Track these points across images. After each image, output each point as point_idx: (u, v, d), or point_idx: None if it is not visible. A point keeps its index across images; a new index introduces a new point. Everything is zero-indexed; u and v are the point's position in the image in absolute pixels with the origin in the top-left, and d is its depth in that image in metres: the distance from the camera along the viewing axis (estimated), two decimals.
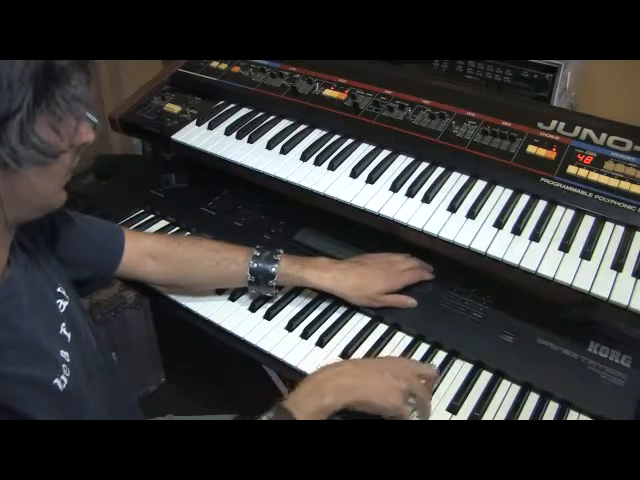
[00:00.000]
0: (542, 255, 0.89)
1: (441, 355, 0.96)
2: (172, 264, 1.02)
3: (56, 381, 0.70)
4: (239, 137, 1.17)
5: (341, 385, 0.80)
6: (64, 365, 0.73)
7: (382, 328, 1.00)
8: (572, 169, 0.98)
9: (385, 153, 1.10)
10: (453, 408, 0.87)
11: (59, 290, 0.81)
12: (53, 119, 0.62)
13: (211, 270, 1.01)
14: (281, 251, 1.01)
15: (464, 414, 0.87)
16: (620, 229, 0.92)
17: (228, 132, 1.19)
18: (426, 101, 1.14)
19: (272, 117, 1.22)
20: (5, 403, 0.63)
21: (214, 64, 1.34)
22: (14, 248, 0.73)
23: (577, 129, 1.05)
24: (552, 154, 1.01)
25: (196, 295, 1.07)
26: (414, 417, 0.85)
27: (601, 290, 0.84)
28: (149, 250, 1.01)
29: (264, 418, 0.76)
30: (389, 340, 0.98)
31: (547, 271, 0.87)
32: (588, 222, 0.94)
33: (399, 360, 0.92)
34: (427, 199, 1.00)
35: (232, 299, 1.06)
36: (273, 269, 0.99)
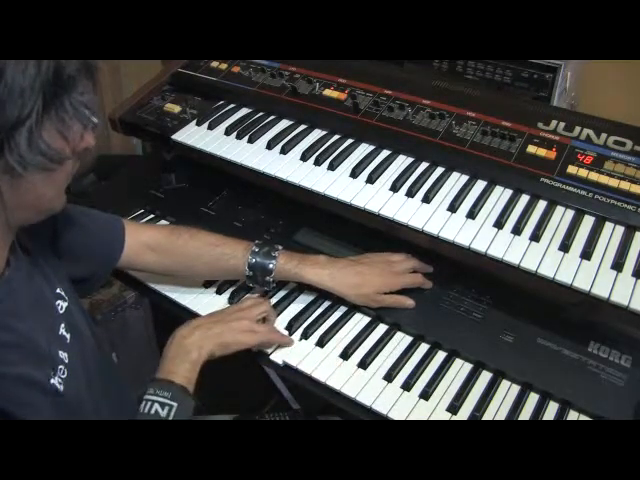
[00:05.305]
0: (542, 255, 0.89)
1: (441, 355, 0.96)
2: (171, 257, 1.02)
3: (53, 381, 0.70)
4: (239, 137, 1.17)
5: (198, 338, 0.89)
6: (62, 366, 0.73)
7: (382, 328, 1.00)
8: (572, 169, 0.98)
9: (385, 153, 1.10)
10: (453, 408, 0.87)
11: (58, 291, 0.81)
12: (62, 126, 0.63)
13: (210, 264, 1.02)
14: (280, 247, 1.02)
15: (464, 414, 0.87)
16: (620, 229, 0.92)
17: (228, 132, 1.19)
18: (426, 101, 1.14)
19: (272, 117, 1.22)
20: (2, 403, 0.63)
21: (214, 64, 1.34)
22: (15, 249, 0.73)
23: (577, 129, 1.05)
24: (552, 154, 1.01)
25: (196, 295, 1.07)
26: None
27: (601, 290, 0.84)
28: (148, 242, 1.01)
29: (149, 397, 0.80)
30: (389, 340, 0.98)
31: (547, 271, 0.87)
32: (588, 222, 0.94)
33: (237, 306, 1.00)
34: (427, 199, 1.00)
35: (232, 299, 1.06)
36: (271, 265, 0.99)
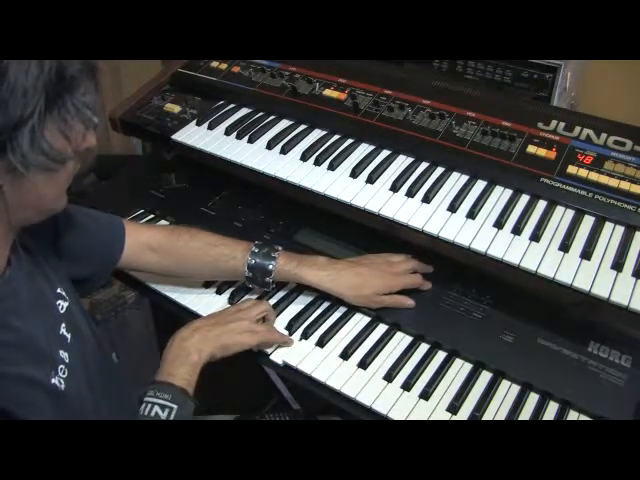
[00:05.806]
0: (542, 255, 0.89)
1: (441, 355, 0.96)
2: (171, 258, 1.02)
3: (54, 381, 0.70)
4: (239, 137, 1.17)
5: (198, 340, 0.89)
6: (62, 365, 0.73)
7: (382, 328, 1.00)
8: (572, 169, 0.98)
9: (385, 153, 1.10)
10: (453, 408, 0.87)
11: (59, 291, 0.81)
12: (64, 126, 0.63)
13: (210, 265, 1.02)
14: (279, 248, 1.02)
15: (464, 414, 0.87)
16: (620, 229, 0.92)
17: (228, 132, 1.19)
18: (426, 101, 1.14)
19: (272, 117, 1.22)
20: (2, 403, 0.63)
21: (214, 64, 1.34)
22: (16, 249, 0.73)
23: (577, 129, 1.05)
24: (552, 154, 1.01)
25: (196, 295, 1.07)
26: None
27: (601, 290, 0.84)
28: (149, 242, 1.01)
29: (149, 400, 0.81)
30: (389, 340, 0.98)
31: (547, 271, 0.87)
32: (588, 222, 0.94)
33: (236, 307, 1.00)
34: (427, 199, 1.00)
35: (232, 299, 1.06)
36: (270, 266, 0.99)
